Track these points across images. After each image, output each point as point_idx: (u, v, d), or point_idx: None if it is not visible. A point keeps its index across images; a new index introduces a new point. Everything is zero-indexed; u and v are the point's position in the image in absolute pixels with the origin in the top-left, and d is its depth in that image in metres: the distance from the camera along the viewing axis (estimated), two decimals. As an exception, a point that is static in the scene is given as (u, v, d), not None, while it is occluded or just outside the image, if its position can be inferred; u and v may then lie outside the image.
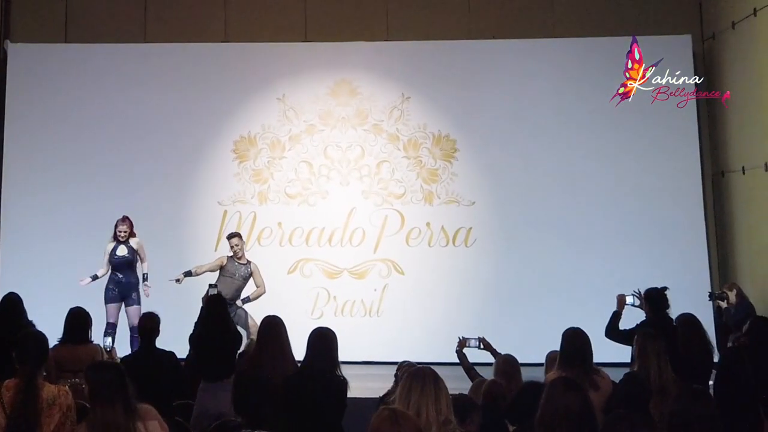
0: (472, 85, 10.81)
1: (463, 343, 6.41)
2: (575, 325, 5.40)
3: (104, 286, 9.27)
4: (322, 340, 5.29)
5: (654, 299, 6.76)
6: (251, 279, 9.22)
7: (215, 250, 10.61)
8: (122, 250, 9.22)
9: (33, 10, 11.38)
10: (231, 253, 9.25)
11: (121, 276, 9.22)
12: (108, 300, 9.14)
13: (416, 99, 10.82)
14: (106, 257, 9.29)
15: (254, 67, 11.03)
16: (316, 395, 4.97)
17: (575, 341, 5.24)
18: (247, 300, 9.11)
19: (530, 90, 10.73)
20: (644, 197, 10.42)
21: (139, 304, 9.18)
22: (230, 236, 9.41)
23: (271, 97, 10.92)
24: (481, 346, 6.38)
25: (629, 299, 6.94)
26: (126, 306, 9.20)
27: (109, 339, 7.47)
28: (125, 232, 9.25)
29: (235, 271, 9.14)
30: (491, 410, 4.79)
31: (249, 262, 9.27)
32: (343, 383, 5.12)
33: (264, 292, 9.21)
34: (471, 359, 6.34)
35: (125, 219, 9.35)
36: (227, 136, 10.87)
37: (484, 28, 11.00)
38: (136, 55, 11.07)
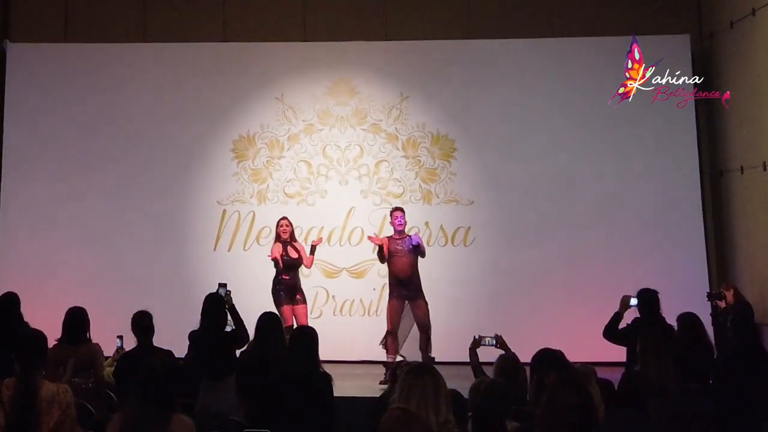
0: (471, 85, 10.81)
1: (477, 342, 6.37)
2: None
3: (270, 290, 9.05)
4: (302, 339, 5.37)
5: (646, 301, 6.77)
6: None
7: (214, 249, 10.63)
8: (293, 253, 9.00)
9: (33, 9, 11.36)
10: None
11: (288, 277, 8.95)
12: (279, 303, 8.82)
13: (415, 98, 10.81)
14: (276, 256, 8.98)
15: (253, 67, 11.01)
16: (300, 393, 5.03)
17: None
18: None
19: (529, 89, 10.72)
20: (643, 197, 10.42)
21: (305, 303, 9.02)
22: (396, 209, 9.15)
23: (270, 97, 10.91)
24: (497, 345, 6.32)
25: (633, 301, 6.91)
26: (293, 305, 8.91)
27: (120, 340, 7.38)
28: (286, 232, 9.07)
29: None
30: (490, 410, 4.78)
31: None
32: (326, 378, 5.21)
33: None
34: (489, 358, 6.21)
35: (286, 218, 9.26)
36: (226, 136, 10.86)
37: (483, 28, 10.99)
38: (135, 54, 11.05)
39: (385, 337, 8.72)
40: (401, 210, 9.03)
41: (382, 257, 8.88)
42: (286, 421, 5.18)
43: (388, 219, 9.12)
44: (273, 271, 9.02)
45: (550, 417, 3.46)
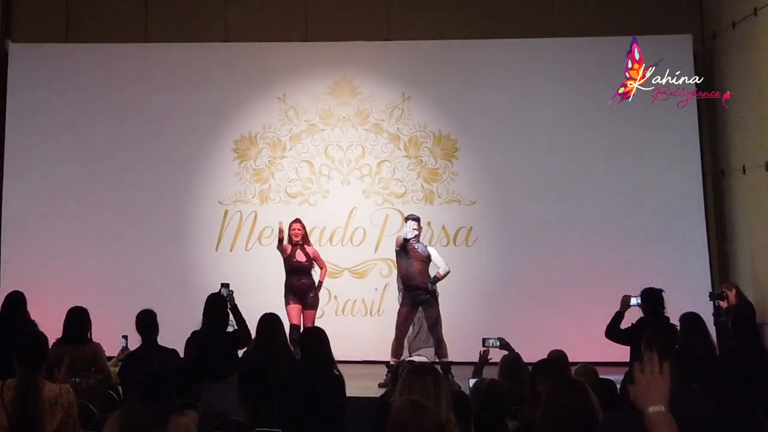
0: (473, 85, 10.81)
1: (484, 356, 6.37)
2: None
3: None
4: (313, 342, 5.35)
5: (652, 300, 6.76)
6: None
7: (216, 249, 10.64)
8: (300, 256, 8.93)
9: (34, 9, 11.36)
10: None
11: (295, 280, 8.91)
12: (287, 302, 8.81)
13: (417, 98, 10.82)
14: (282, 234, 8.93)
15: (255, 67, 11.03)
16: (312, 394, 5.01)
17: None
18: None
19: (530, 89, 10.74)
20: (645, 197, 10.42)
21: (314, 308, 8.93)
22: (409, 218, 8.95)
23: (272, 97, 10.92)
24: (500, 346, 6.34)
25: (633, 300, 6.90)
26: (303, 309, 8.87)
27: (124, 340, 7.38)
28: (297, 235, 8.94)
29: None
30: (491, 409, 4.78)
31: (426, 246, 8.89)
32: (338, 382, 5.18)
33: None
34: (493, 358, 6.23)
35: (299, 221, 9.13)
36: (228, 136, 10.87)
37: (484, 28, 11.00)
38: (136, 54, 11.07)
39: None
40: (413, 219, 8.82)
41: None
42: (293, 424, 5.18)
43: (406, 226, 8.89)
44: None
45: (550, 419, 3.47)
